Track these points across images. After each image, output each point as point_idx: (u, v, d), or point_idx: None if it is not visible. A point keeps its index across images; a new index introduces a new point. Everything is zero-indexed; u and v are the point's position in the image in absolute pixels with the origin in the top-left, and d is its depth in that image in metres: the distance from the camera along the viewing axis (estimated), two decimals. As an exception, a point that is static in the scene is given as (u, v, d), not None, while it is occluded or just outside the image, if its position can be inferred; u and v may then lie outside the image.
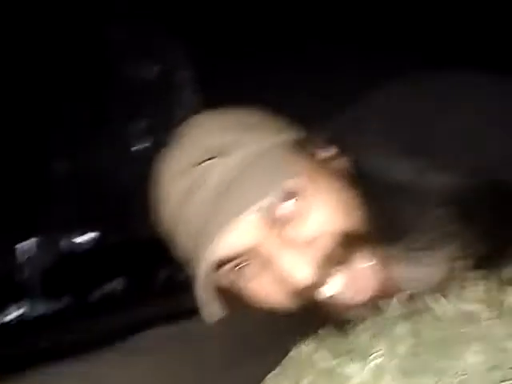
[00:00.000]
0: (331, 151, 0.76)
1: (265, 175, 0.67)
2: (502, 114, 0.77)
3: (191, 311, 0.69)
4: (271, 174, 0.67)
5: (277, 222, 0.67)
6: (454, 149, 0.76)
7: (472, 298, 0.55)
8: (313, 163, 0.73)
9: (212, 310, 0.66)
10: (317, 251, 0.66)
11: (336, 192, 0.70)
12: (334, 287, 0.67)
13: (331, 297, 0.68)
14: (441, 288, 0.66)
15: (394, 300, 0.64)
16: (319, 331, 0.67)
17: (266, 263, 0.67)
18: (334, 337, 0.64)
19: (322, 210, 0.68)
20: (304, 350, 0.66)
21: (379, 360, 0.51)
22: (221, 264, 0.68)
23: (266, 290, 0.70)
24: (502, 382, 0.42)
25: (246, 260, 0.68)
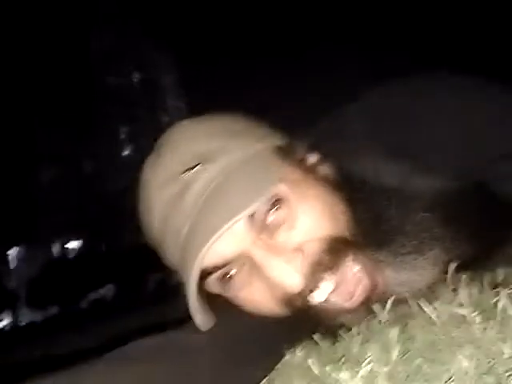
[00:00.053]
0: (316, 157, 0.76)
1: (251, 182, 0.67)
2: (488, 117, 0.77)
3: (181, 320, 0.68)
4: (257, 180, 0.67)
5: (264, 229, 0.67)
6: (440, 152, 0.77)
7: (463, 301, 0.55)
8: (298, 169, 0.73)
9: (203, 318, 0.65)
10: (305, 258, 0.66)
11: (322, 198, 0.70)
12: (324, 293, 0.67)
13: (321, 302, 0.68)
14: (431, 291, 0.66)
15: (385, 305, 0.64)
16: (311, 337, 0.67)
17: (255, 270, 0.67)
18: (326, 343, 0.64)
19: (308, 216, 0.68)
20: (296, 356, 0.65)
21: (371, 366, 0.51)
22: (210, 272, 0.67)
23: (257, 298, 0.69)
24: (494, 386, 0.42)
25: (234, 267, 0.68)
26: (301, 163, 0.75)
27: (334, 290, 0.67)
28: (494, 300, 0.54)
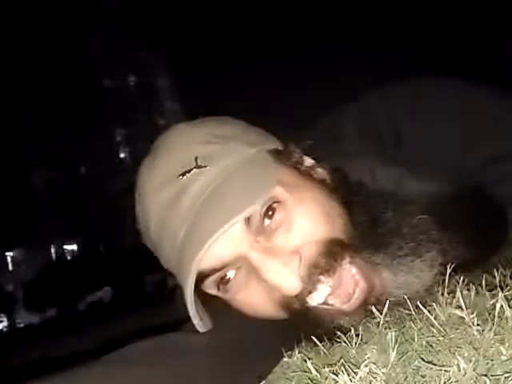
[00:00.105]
0: (312, 160, 0.77)
1: (248, 185, 0.67)
2: (487, 118, 0.78)
3: (178, 322, 0.68)
4: (254, 183, 0.67)
5: (261, 232, 0.67)
6: (439, 152, 0.77)
7: (461, 303, 0.55)
8: (295, 172, 0.73)
9: (200, 320, 0.65)
10: (302, 260, 0.66)
11: (319, 200, 0.70)
12: (321, 295, 0.67)
13: (319, 305, 0.68)
14: (428, 294, 0.66)
15: (383, 307, 0.64)
16: (309, 340, 0.67)
17: (252, 273, 0.67)
18: (324, 345, 0.64)
19: (305, 219, 0.68)
20: (294, 358, 0.65)
21: (369, 368, 0.51)
22: (207, 275, 0.67)
23: (254, 300, 0.69)
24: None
25: (231, 270, 0.68)
26: (298, 166, 0.75)
27: (331, 293, 0.67)
28: (492, 302, 0.54)
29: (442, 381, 0.44)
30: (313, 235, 0.68)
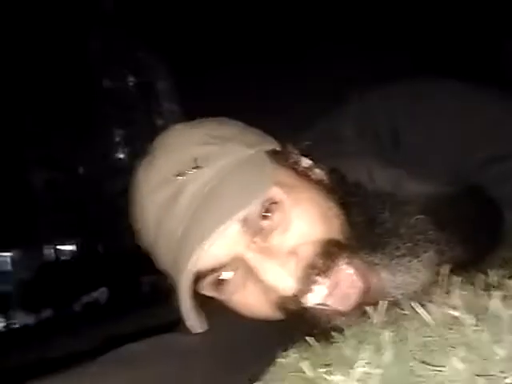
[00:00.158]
0: (310, 160, 0.77)
1: (245, 185, 0.67)
2: (487, 120, 0.78)
3: (175, 323, 0.68)
4: (251, 183, 0.67)
5: (258, 232, 0.67)
6: (439, 153, 0.77)
7: (457, 303, 0.55)
8: (292, 173, 0.73)
9: (195, 321, 0.65)
10: (299, 261, 0.66)
11: (316, 201, 0.70)
12: (318, 296, 0.67)
13: (315, 305, 0.68)
14: (425, 294, 0.66)
15: (379, 307, 0.64)
16: (305, 340, 0.67)
17: (249, 274, 0.67)
18: (320, 345, 0.64)
19: (302, 220, 0.68)
20: (290, 358, 0.65)
21: (364, 368, 0.51)
22: (203, 275, 0.67)
23: (251, 301, 0.69)
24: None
25: (228, 271, 0.68)
26: (295, 167, 0.75)
27: (328, 293, 0.67)
28: (487, 302, 0.54)
29: (437, 381, 0.44)
30: (310, 236, 0.68)
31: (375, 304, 0.66)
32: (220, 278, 0.68)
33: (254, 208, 0.66)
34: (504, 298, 0.53)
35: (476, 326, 0.50)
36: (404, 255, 0.70)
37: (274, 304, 0.68)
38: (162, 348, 0.62)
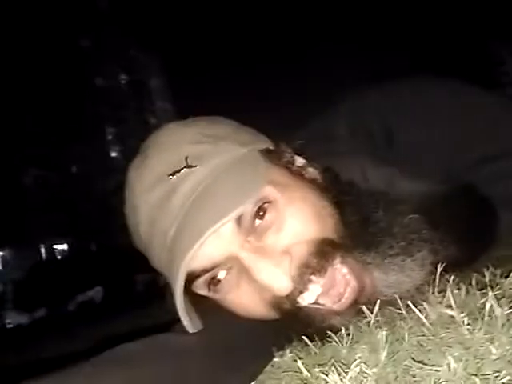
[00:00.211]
0: (303, 160, 0.77)
1: (238, 184, 0.67)
2: (476, 122, 0.78)
3: (170, 323, 0.68)
4: (245, 183, 0.67)
5: (252, 232, 0.67)
6: (435, 152, 0.77)
7: (451, 302, 0.55)
8: (286, 172, 0.73)
9: (190, 321, 0.65)
10: (293, 260, 0.66)
11: (310, 200, 0.70)
12: (312, 295, 0.67)
13: (310, 305, 0.68)
14: (420, 293, 0.66)
15: (374, 306, 0.64)
16: (300, 339, 0.67)
17: (243, 273, 0.67)
18: (315, 345, 0.64)
19: (296, 219, 0.68)
20: (286, 358, 0.65)
21: (360, 367, 0.51)
22: (197, 275, 0.67)
23: (245, 300, 0.69)
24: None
25: (222, 270, 0.68)
26: (289, 166, 0.75)
27: (322, 293, 0.67)
28: (482, 301, 0.55)
29: (433, 380, 0.45)
30: (304, 235, 0.68)
31: (369, 303, 0.66)
32: (214, 277, 0.68)
33: (247, 207, 0.65)
34: (499, 297, 0.54)
35: (471, 325, 0.51)
36: (398, 254, 0.70)
37: (268, 303, 0.68)
38: (158, 348, 0.62)
